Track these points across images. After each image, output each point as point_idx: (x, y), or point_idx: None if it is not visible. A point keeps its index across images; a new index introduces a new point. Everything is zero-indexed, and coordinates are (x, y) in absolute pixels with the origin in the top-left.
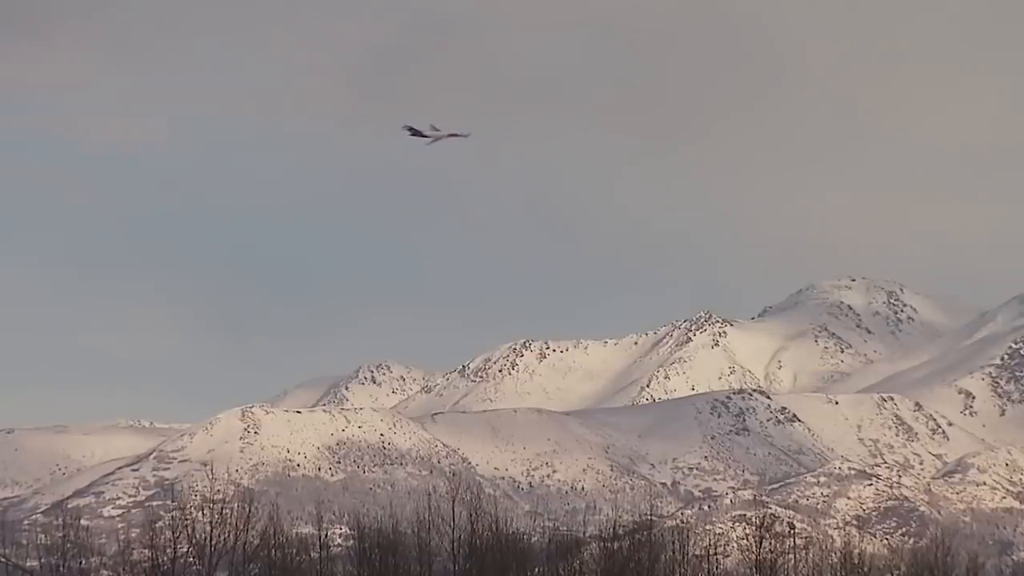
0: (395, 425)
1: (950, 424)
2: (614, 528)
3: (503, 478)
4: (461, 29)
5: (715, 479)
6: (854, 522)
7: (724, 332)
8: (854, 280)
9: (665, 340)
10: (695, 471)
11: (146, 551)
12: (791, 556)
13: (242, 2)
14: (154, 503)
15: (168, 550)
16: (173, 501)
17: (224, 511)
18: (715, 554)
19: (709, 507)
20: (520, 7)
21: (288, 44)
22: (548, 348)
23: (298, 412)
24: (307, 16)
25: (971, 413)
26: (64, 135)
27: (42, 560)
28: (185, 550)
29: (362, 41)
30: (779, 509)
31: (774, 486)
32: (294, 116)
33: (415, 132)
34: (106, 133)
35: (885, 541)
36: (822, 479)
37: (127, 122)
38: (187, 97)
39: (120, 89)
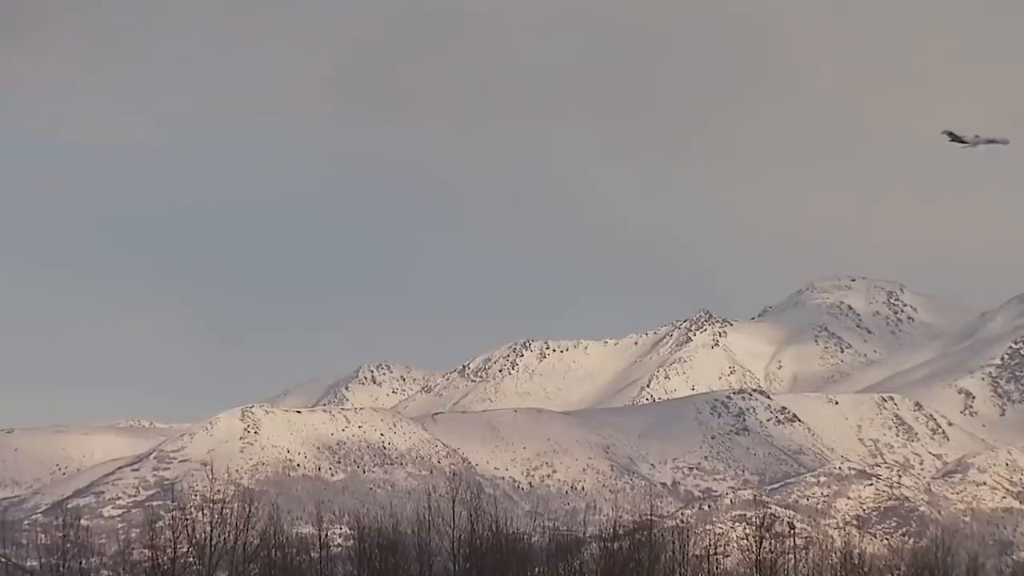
0: (395, 425)
1: (950, 424)
2: (614, 528)
3: (503, 478)
4: (454, 28)
5: (715, 479)
6: (854, 522)
7: (724, 332)
8: (854, 280)
9: (665, 340)
10: (695, 471)
11: (146, 551)
12: (791, 556)
13: (233, 1)
14: (154, 503)
15: (168, 550)
16: (173, 501)
17: (224, 511)
18: (715, 554)
19: (709, 507)
20: (513, 6)
21: (279, 43)
22: (548, 348)
23: (298, 412)
24: (298, 15)
25: (971, 413)
26: (64, 135)
27: (42, 560)
28: (185, 550)
29: (354, 40)
30: (779, 509)
31: (774, 486)
32: (293, 116)
33: (955, 138)
34: (104, 133)
35: (885, 541)
36: (822, 479)
37: (124, 122)
38: (184, 97)
39: (115, 89)
